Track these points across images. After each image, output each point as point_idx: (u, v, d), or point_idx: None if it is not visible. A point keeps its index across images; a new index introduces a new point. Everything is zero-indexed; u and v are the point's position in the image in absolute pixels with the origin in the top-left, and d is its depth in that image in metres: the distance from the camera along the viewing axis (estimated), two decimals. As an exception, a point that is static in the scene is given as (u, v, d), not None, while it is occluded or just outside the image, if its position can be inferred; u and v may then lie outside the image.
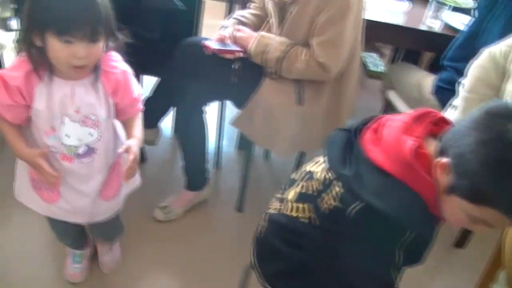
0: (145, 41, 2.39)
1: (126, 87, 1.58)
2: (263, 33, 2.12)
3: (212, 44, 2.10)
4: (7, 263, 2.08)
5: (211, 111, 2.39)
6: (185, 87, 2.21)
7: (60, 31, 1.29)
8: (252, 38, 2.10)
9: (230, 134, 2.97)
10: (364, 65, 3.98)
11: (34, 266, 2.08)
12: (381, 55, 4.22)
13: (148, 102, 2.54)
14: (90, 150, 1.57)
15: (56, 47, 1.32)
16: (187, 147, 2.41)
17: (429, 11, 2.59)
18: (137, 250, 2.26)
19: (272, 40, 2.06)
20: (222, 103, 2.66)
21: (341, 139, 1.23)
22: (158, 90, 2.52)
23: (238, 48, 2.10)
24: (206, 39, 2.16)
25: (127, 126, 1.66)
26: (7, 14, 4.17)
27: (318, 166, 1.31)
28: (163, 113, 2.61)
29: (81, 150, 1.55)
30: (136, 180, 1.82)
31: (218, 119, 2.76)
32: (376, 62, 4.08)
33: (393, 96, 2.67)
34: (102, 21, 1.33)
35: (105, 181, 1.68)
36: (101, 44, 1.38)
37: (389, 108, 2.72)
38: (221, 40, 2.12)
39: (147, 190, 2.62)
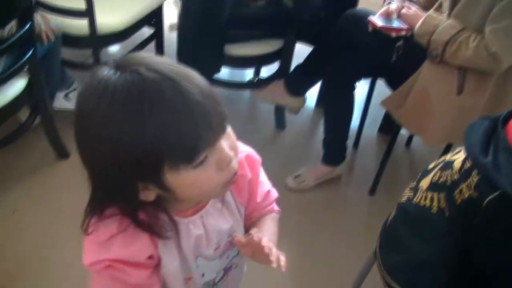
0: (305, 8, 2.37)
1: (254, 186, 1.08)
2: (431, 13, 1.99)
3: (377, 20, 2.02)
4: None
5: (358, 88, 2.32)
6: (341, 59, 2.15)
7: (191, 156, 0.77)
8: (419, 17, 1.98)
9: (374, 115, 2.87)
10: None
11: None
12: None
13: (299, 69, 2.53)
14: (227, 269, 1.16)
15: (190, 179, 0.80)
16: (331, 121, 2.37)
17: None
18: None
19: (440, 22, 1.92)
20: (373, 81, 2.57)
21: (483, 127, 1.13)
22: (310, 59, 2.48)
23: (403, 26, 2.00)
24: (370, 12, 2.08)
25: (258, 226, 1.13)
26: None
27: (456, 155, 1.22)
28: (312, 82, 2.58)
29: (218, 277, 1.15)
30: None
31: (365, 97, 2.67)
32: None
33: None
34: (222, 107, 0.81)
35: None
36: (230, 128, 0.86)
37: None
38: (387, 15, 2.03)
39: (282, 157, 2.64)
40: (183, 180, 0.79)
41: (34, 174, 2.36)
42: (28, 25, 1.94)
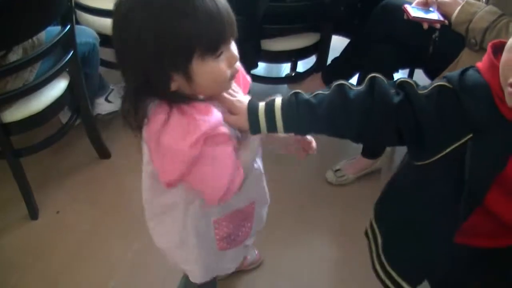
0: (341, 0, 2.36)
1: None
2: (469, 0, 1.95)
3: (412, 9, 1.98)
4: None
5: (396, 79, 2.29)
6: (378, 50, 2.13)
7: (215, 48, 1.00)
8: (457, 4, 1.94)
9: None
10: None
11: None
12: None
13: (336, 62, 2.52)
14: None
15: (211, 68, 1.01)
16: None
17: None
18: (301, 210, 2.27)
19: (479, 9, 1.89)
20: (411, 71, 2.54)
21: None
22: (347, 52, 2.48)
23: (439, 18, 1.96)
24: (406, 2, 2.05)
25: None
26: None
27: None
28: (349, 75, 2.57)
29: None
30: None
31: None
32: None
33: None
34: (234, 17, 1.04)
35: None
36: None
37: None
38: (424, 4, 2.00)
39: (321, 151, 2.61)
40: (205, 68, 1.00)
41: (76, 174, 2.42)
42: (68, 27, 1.98)
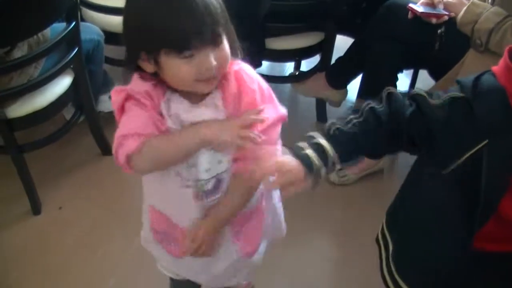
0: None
1: (239, 103, 1.16)
2: (475, 0, 1.95)
3: (418, 7, 1.99)
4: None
5: (400, 79, 2.30)
6: (382, 50, 2.13)
7: (179, 49, 1.02)
8: (463, 5, 1.94)
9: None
10: None
11: None
12: None
13: (340, 62, 2.52)
14: (217, 183, 1.22)
15: (175, 66, 1.04)
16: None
17: None
18: (303, 209, 2.26)
19: (484, 10, 1.88)
20: (416, 72, 2.54)
21: None
22: (351, 51, 2.47)
23: (445, 12, 1.97)
24: (411, 1, 2.06)
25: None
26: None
27: None
28: (353, 75, 2.56)
29: (210, 185, 1.21)
30: (283, 229, 1.61)
31: (408, 88, 2.64)
32: None
33: None
34: (221, 20, 1.05)
35: (241, 231, 1.35)
36: (226, 45, 1.08)
37: None
38: (429, 4, 2.00)
39: (324, 151, 2.63)
40: (170, 63, 1.04)
41: (79, 170, 2.43)
42: (73, 24, 1.99)
